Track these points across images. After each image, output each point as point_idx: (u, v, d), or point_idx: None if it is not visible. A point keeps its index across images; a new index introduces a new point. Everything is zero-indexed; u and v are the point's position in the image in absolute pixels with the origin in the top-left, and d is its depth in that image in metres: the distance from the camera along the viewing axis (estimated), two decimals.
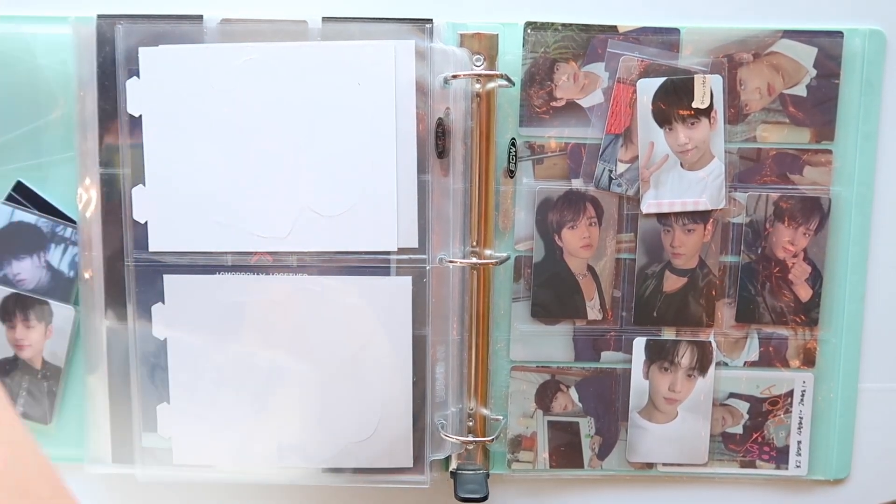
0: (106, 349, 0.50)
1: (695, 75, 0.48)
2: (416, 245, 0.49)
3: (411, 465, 0.50)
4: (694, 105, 0.49)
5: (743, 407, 0.52)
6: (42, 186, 0.50)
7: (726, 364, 0.52)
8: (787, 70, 0.49)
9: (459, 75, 0.47)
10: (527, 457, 0.52)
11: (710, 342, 0.51)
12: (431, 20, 0.48)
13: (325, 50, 0.47)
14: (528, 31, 0.49)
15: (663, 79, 0.48)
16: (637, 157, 0.49)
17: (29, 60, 0.49)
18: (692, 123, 0.49)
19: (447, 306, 0.49)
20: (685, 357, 0.51)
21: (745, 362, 0.52)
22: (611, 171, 0.49)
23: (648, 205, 0.50)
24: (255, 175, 0.48)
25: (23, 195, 0.50)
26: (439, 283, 0.49)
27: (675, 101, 0.49)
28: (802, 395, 0.52)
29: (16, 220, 0.50)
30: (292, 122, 0.47)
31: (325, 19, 0.48)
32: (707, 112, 0.49)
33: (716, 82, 0.49)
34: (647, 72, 0.49)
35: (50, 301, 0.50)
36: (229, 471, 0.50)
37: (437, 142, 0.48)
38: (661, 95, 0.49)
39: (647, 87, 0.49)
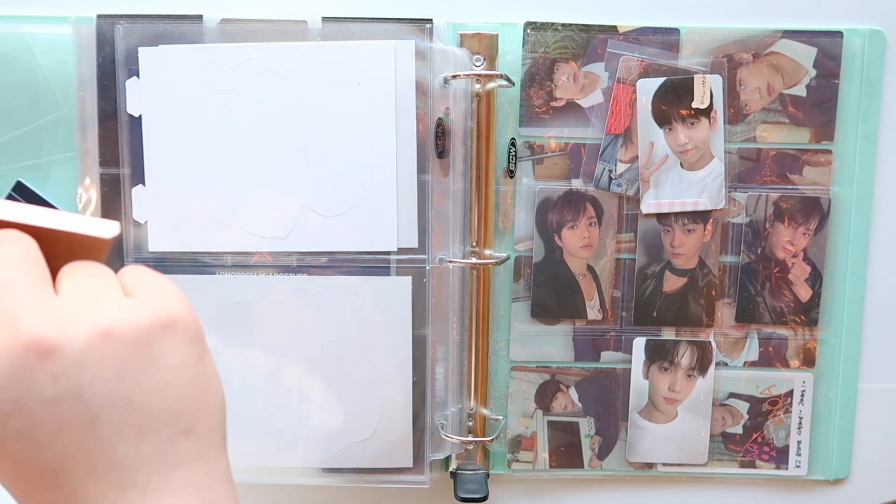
0: None
1: (695, 75, 0.48)
2: (416, 245, 0.49)
3: (411, 465, 0.50)
4: (694, 105, 0.49)
5: (743, 407, 0.52)
6: (42, 186, 0.50)
7: (726, 364, 0.52)
8: (786, 70, 0.49)
9: (459, 75, 0.47)
10: (527, 457, 0.52)
11: (709, 342, 0.51)
12: (431, 20, 0.48)
13: (325, 50, 0.47)
14: (528, 31, 0.49)
15: (663, 79, 0.48)
16: (637, 157, 0.49)
17: (29, 60, 0.49)
18: (692, 123, 0.49)
19: (447, 306, 0.49)
20: (685, 357, 0.51)
21: (745, 362, 0.52)
22: (611, 171, 0.49)
23: (648, 205, 0.50)
24: (255, 175, 0.48)
25: (23, 195, 0.50)
26: (439, 283, 0.49)
27: (674, 101, 0.49)
28: (802, 395, 0.52)
29: None
30: (292, 122, 0.47)
31: (325, 19, 0.48)
32: (707, 112, 0.49)
33: (716, 82, 0.49)
34: (647, 72, 0.49)
35: None
36: None
37: (437, 142, 0.48)
38: (660, 95, 0.49)
39: (647, 87, 0.49)
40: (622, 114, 0.49)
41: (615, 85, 0.49)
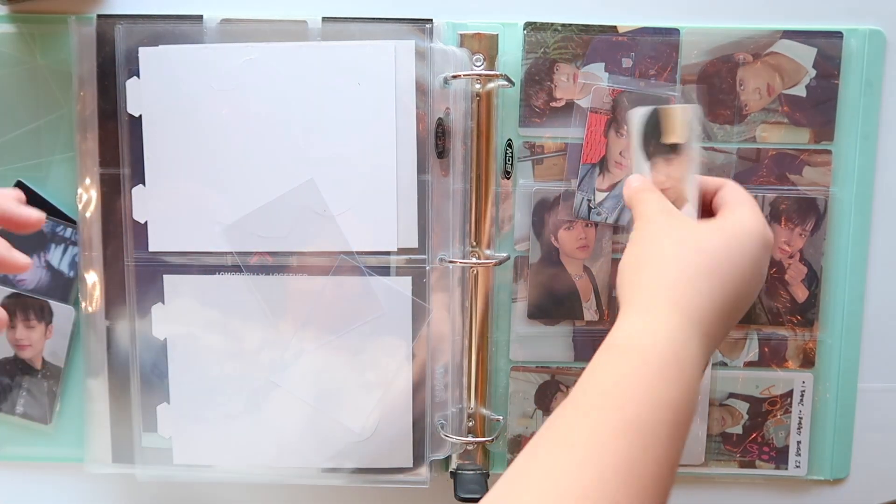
0: (106, 349, 0.50)
1: (671, 107, 0.44)
2: (416, 245, 0.49)
3: (411, 465, 0.50)
4: (671, 140, 0.43)
5: (742, 407, 0.52)
6: (42, 186, 0.50)
7: (726, 364, 0.52)
8: (786, 70, 0.49)
9: (459, 75, 0.47)
10: None
11: None
12: (431, 20, 0.48)
13: (325, 50, 0.47)
14: (528, 31, 0.49)
15: (652, 108, 0.43)
16: (615, 184, 0.49)
17: (29, 60, 0.49)
18: (669, 160, 0.45)
19: (447, 306, 0.49)
20: None
21: (745, 363, 0.52)
22: (589, 201, 0.49)
23: None
24: (254, 175, 0.48)
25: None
26: (439, 283, 0.49)
27: (652, 135, 0.43)
28: (802, 396, 0.52)
29: None
30: (292, 122, 0.47)
31: (325, 19, 0.48)
32: (683, 148, 0.43)
33: (694, 112, 0.43)
34: (620, 99, 0.48)
35: (50, 301, 0.50)
36: (229, 471, 0.51)
37: (437, 142, 0.48)
38: (644, 129, 0.43)
39: (637, 118, 0.43)
40: (597, 143, 0.49)
41: (589, 114, 0.49)
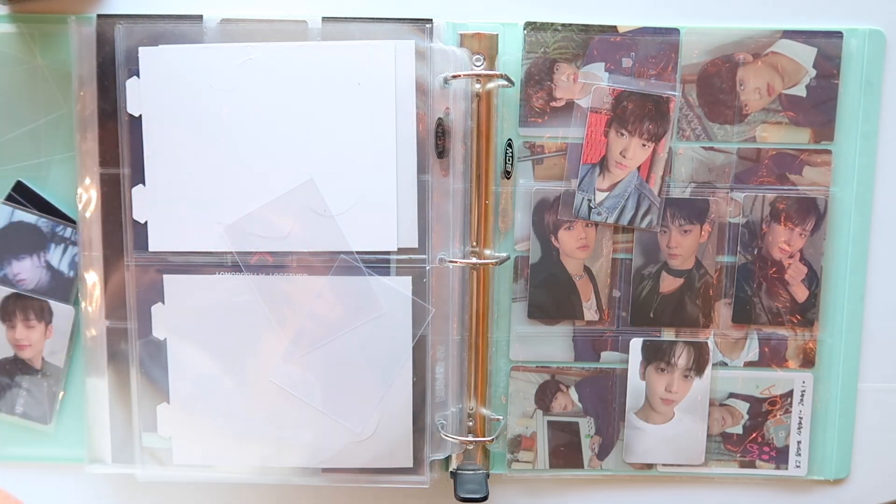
0: (106, 349, 0.50)
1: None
2: (416, 245, 0.49)
3: (411, 465, 0.50)
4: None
5: (743, 407, 0.52)
6: (42, 186, 0.50)
7: (726, 364, 0.52)
8: (786, 70, 0.49)
9: (459, 75, 0.47)
10: (527, 457, 0.52)
11: (706, 343, 0.51)
12: (431, 20, 0.48)
13: (325, 50, 0.47)
14: (528, 31, 0.49)
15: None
16: (615, 184, 0.49)
17: (29, 60, 0.49)
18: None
19: (447, 306, 0.49)
20: (682, 358, 0.51)
21: (745, 362, 0.52)
22: (589, 201, 0.49)
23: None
24: (254, 175, 0.48)
25: (23, 195, 0.50)
26: (439, 283, 0.49)
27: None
28: (802, 396, 0.52)
29: (16, 220, 0.50)
30: (292, 123, 0.47)
31: (325, 19, 0.48)
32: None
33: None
34: (620, 99, 0.49)
35: (50, 301, 0.50)
36: (229, 471, 0.51)
37: (437, 142, 0.48)
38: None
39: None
40: (597, 143, 0.49)
41: (589, 114, 0.49)
